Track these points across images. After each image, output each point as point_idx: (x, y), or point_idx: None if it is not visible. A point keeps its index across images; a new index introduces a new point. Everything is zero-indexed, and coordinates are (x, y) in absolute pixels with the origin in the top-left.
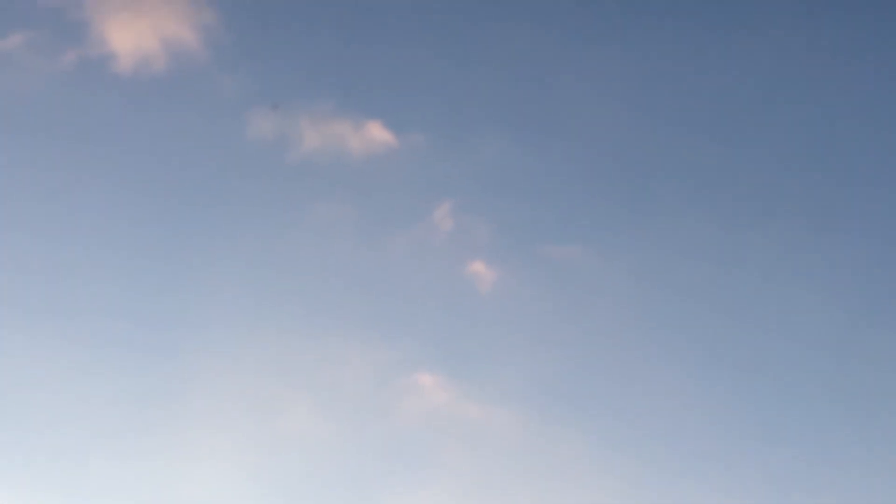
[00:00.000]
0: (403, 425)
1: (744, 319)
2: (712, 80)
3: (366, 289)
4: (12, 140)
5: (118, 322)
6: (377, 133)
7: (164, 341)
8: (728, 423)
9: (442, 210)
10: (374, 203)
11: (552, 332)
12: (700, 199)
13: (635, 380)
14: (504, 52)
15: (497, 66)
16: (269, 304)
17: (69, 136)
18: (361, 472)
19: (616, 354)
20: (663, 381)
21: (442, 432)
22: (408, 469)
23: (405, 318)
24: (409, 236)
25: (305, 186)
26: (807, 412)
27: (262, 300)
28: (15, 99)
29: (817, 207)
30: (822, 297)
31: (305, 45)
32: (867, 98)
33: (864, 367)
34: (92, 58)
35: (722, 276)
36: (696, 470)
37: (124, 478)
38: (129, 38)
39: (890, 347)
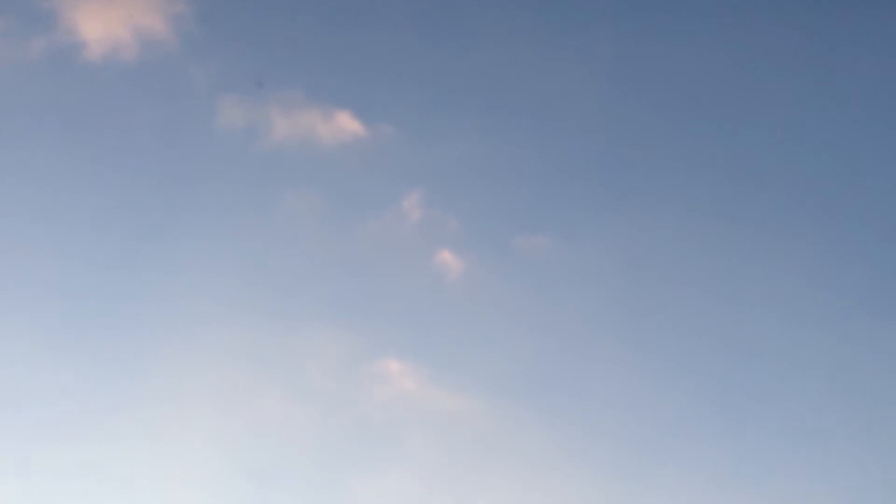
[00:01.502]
0: (371, 411)
1: (716, 308)
2: (693, 65)
3: (334, 276)
4: None
5: (85, 305)
6: (346, 123)
7: (131, 326)
8: (698, 411)
9: (411, 200)
10: (343, 192)
11: (520, 322)
12: (671, 189)
13: (602, 369)
14: (475, 42)
15: (467, 56)
16: (238, 292)
17: (38, 123)
18: (329, 458)
19: (583, 344)
20: (631, 371)
21: (409, 418)
22: (375, 454)
23: (373, 305)
24: (378, 225)
25: (275, 175)
26: (782, 401)
27: (231, 288)
28: None
29: (801, 196)
30: (802, 288)
31: (275, 35)
32: (858, 87)
33: (861, 353)
34: (61, 46)
35: (693, 265)
36: (665, 459)
37: (92, 460)
38: (99, 27)
39: (876, 334)
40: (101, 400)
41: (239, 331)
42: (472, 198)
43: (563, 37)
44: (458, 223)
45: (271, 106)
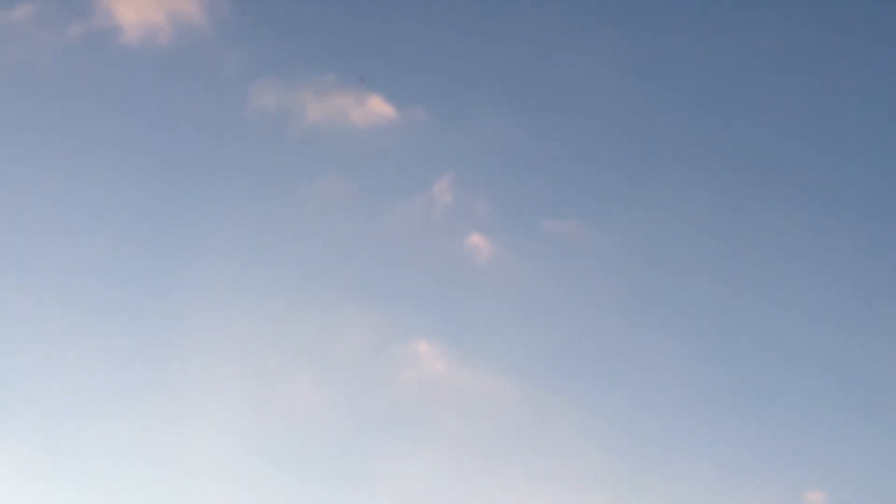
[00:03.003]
0: (400, 392)
1: (741, 295)
2: (714, 58)
3: (365, 259)
4: (20, 110)
5: (120, 287)
6: (379, 107)
7: (164, 308)
8: (722, 395)
9: (441, 184)
10: (375, 176)
11: (548, 304)
12: (698, 177)
13: (629, 353)
14: (506, 28)
15: (499, 42)
16: (271, 274)
17: (74, 106)
18: (358, 437)
19: (610, 327)
20: (657, 354)
21: (437, 399)
22: (403, 435)
23: (403, 288)
24: (409, 209)
25: (307, 158)
26: (805, 386)
27: (264, 269)
28: (22, 70)
29: (819, 186)
30: (823, 274)
31: (308, 20)
32: (867, 77)
33: (865, 341)
34: (98, 30)
35: (719, 251)
36: (689, 442)
37: (121, 439)
38: (134, 12)
39: (884, 320)
40: (137, 380)
41: (270, 314)
42: (501, 182)
43: (592, 30)
44: (488, 207)
45: (304, 90)
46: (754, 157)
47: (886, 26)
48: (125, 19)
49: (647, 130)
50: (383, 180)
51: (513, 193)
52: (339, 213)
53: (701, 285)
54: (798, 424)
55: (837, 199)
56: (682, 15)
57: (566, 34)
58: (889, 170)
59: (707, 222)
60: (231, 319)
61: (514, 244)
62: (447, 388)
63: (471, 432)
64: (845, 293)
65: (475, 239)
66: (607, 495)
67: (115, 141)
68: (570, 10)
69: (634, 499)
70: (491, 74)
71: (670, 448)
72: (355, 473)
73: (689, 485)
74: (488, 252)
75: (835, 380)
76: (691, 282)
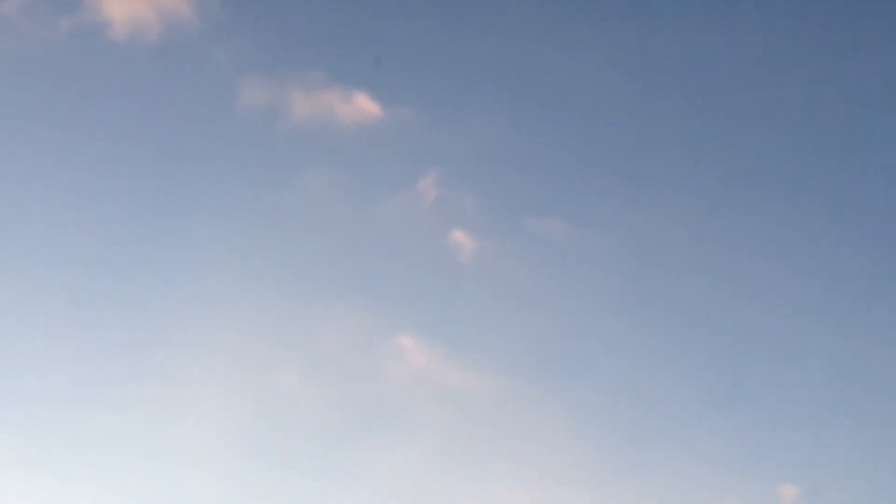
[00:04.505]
0: (385, 386)
1: (721, 293)
2: (705, 58)
3: (351, 255)
4: (7, 104)
5: (110, 281)
6: (365, 104)
7: (155, 302)
8: (700, 391)
9: (427, 180)
10: (361, 172)
11: (531, 301)
12: (683, 177)
13: (610, 350)
14: (493, 27)
15: (485, 40)
16: (257, 269)
17: (63, 101)
18: (343, 430)
19: (593, 325)
20: (638, 351)
21: (422, 394)
22: (389, 428)
23: (389, 283)
24: (395, 205)
25: (295, 155)
26: (780, 381)
27: (250, 265)
28: (9, 64)
29: (806, 186)
30: (801, 273)
31: (296, 17)
32: (868, 82)
33: (838, 338)
34: (87, 25)
35: (703, 251)
36: (669, 437)
37: (108, 431)
38: (123, 7)
39: (878, 324)
40: (123, 373)
41: (257, 308)
42: (486, 180)
43: (579, 27)
44: (473, 204)
45: (292, 87)
46: (741, 157)
47: (876, 25)
48: (114, 14)
49: (634, 130)
50: (369, 176)
51: (498, 191)
52: (326, 208)
53: (683, 284)
54: (773, 418)
55: (825, 200)
56: (671, 14)
57: (553, 32)
58: (881, 169)
59: (691, 222)
60: (218, 313)
61: (499, 241)
62: (431, 383)
63: (454, 426)
64: (822, 293)
65: (460, 235)
66: (587, 490)
67: (103, 136)
68: (558, 10)
69: (614, 493)
70: (477, 73)
71: (650, 444)
72: (341, 465)
73: (669, 479)
74: (473, 248)
75: (809, 375)
76: (674, 280)
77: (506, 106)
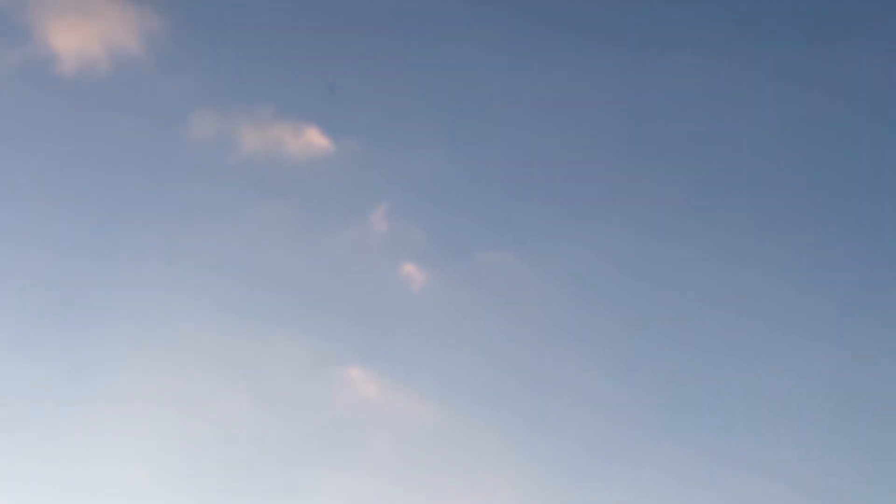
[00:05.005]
0: (333, 415)
1: (660, 326)
2: (642, 94)
3: (301, 286)
4: None
5: (54, 311)
6: (315, 138)
7: (101, 325)
8: (637, 426)
9: (377, 214)
10: (311, 205)
11: (479, 332)
12: (627, 212)
13: (553, 381)
14: (440, 63)
15: (432, 77)
16: (207, 298)
17: (9, 135)
18: (290, 458)
19: (538, 354)
20: (580, 382)
21: (371, 423)
22: (336, 456)
23: (339, 314)
24: (345, 238)
25: (245, 187)
26: (707, 412)
27: (200, 293)
28: None
29: (738, 218)
30: (743, 304)
31: (247, 52)
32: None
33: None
34: (35, 59)
35: (640, 283)
36: (608, 470)
37: (41, 457)
38: (72, 41)
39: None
40: (66, 394)
41: (207, 334)
42: (436, 213)
43: (529, 64)
44: (423, 237)
45: (242, 121)
46: (679, 192)
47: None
48: (62, 48)
49: (578, 166)
50: (320, 209)
51: (447, 224)
52: (276, 240)
53: (625, 313)
54: (717, 451)
55: (758, 236)
56: (609, 52)
57: (499, 71)
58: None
59: (632, 256)
60: (164, 342)
61: (448, 273)
62: (379, 413)
63: (403, 453)
64: (760, 318)
65: (409, 268)
66: None
67: (49, 169)
68: (507, 44)
69: None
70: (425, 109)
71: (595, 476)
72: (286, 494)
73: None
74: (422, 281)
75: (748, 402)
76: (614, 313)
77: (454, 142)
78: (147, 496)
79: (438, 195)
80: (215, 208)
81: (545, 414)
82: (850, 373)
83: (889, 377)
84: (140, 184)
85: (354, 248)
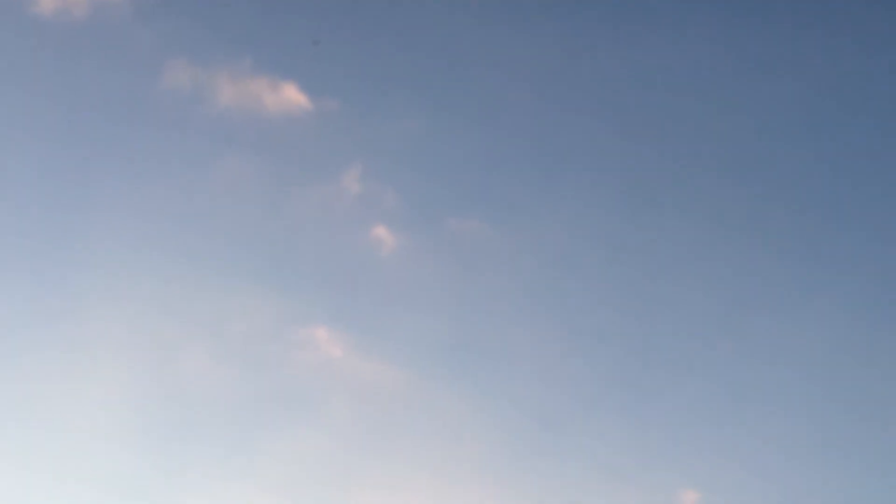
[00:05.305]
0: (295, 374)
1: (628, 297)
2: (625, 66)
3: (269, 243)
4: None
5: (15, 264)
6: (292, 94)
7: (63, 277)
8: (602, 393)
9: (351, 174)
10: (284, 162)
11: (446, 297)
12: (602, 183)
13: (519, 349)
14: (423, 27)
15: (415, 40)
16: (170, 248)
17: None
18: (250, 414)
19: (504, 320)
20: (545, 352)
21: (332, 384)
22: (294, 416)
23: (306, 273)
24: (316, 196)
25: (216, 141)
26: (681, 386)
27: (164, 245)
28: None
29: (718, 201)
30: (706, 280)
31: (227, 4)
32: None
33: (738, 343)
34: None
35: (613, 256)
36: (570, 439)
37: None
38: None
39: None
40: (19, 342)
41: (166, 290)
42: (410, 176)
43: (512, 22)
44: (395, 201)
45: (218, 73)
46: (657, 162)
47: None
48: None
49: (555, 136)
50: (292, 167)
51: (420, 189)
52: (246, 196)
53: (591, 287)
54: (674, 423)
55: (737, 207)
56: (594, 21)
57: (481, 37)
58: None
59: (610, 234)
60: (126, 293)
61: (418, 238)
62: (343, 374)
63: (364, 417)
64: (723, 300)
65: (380, 230)
66: (487, 487)
67: (20, 110)
68: (485, 11)
69: (516, 487)
70: (407, 71)
71: (554, 441)
72: (246, 451)
73: (570, 476)
74: (393, 244)
75: (710, 380)
76: (585, 283)
77: (432, 106)
78: (102, 447)
79: (414, 159)
80: (186, 160)
81: (510, 381)
82: (845, 365)
83: (889, 377)
84: (109, 131)
85: (325, 208)
